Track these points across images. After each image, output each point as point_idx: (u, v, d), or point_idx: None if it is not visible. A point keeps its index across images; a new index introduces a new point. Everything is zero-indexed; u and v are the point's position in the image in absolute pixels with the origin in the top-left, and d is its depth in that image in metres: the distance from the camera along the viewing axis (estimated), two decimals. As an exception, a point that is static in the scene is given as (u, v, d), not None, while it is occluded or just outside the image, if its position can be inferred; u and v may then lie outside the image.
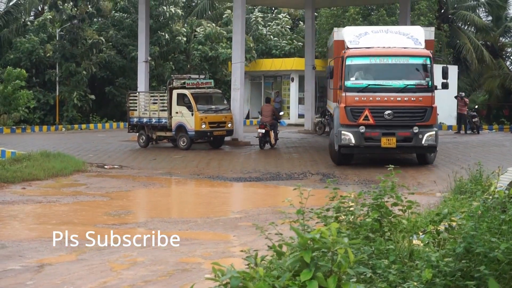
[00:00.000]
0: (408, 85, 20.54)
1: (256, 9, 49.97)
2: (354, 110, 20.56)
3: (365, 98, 20.51)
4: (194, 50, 45.13)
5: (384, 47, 21.41)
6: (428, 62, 20.73)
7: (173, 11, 44.67)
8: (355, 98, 20.59)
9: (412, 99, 20.43)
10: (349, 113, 20.56)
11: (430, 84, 20.55)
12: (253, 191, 18.16)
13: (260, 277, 5.21)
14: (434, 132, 20.43)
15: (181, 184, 19.55)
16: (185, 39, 45.48)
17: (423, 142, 20.28)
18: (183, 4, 49.23)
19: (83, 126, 40.64)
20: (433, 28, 26.10)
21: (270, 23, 48.97)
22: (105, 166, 22.23)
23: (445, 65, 22.64)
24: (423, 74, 20.81)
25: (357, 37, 21.85)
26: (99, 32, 44.67)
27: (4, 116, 39.20)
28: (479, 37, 47.99)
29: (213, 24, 46.94)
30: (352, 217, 7.20)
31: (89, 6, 43.50)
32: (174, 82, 27.69)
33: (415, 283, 5.72)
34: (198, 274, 8.97)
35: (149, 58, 34.45)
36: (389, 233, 7.14)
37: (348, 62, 20.82)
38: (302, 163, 22.58)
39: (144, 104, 28.43)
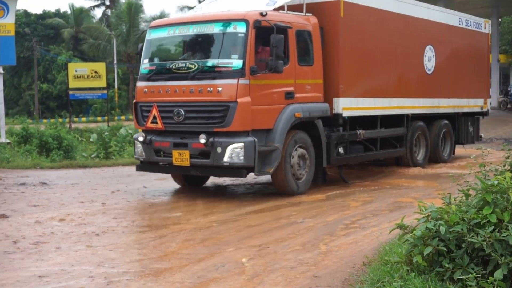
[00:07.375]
0: (203, 67, 12.96)
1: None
2: (144, 107, 13.88)
3: (154, 90, 13.68)
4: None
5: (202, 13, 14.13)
6: (240, 29, 12.72)
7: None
8: (144, 90, 13.90)
9: (209, 89, 12.73)
10: (139, 113, 13.98)
11: (239, 65, 12.56)
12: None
13: (453, 211, 6.01)
14: (242, 144, 12.46)
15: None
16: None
17: (224, 159, 12.60)
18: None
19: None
20: None
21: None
22: None
23: (276, 35, 12.65)
24: (230, 50, 12.91)
25: (208, 3, 15.27)
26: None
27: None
28: None
29: None
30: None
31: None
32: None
33: None
34: (410, 210, 10.50)
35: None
36: None
37: (147, 36, 14.28)
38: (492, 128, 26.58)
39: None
